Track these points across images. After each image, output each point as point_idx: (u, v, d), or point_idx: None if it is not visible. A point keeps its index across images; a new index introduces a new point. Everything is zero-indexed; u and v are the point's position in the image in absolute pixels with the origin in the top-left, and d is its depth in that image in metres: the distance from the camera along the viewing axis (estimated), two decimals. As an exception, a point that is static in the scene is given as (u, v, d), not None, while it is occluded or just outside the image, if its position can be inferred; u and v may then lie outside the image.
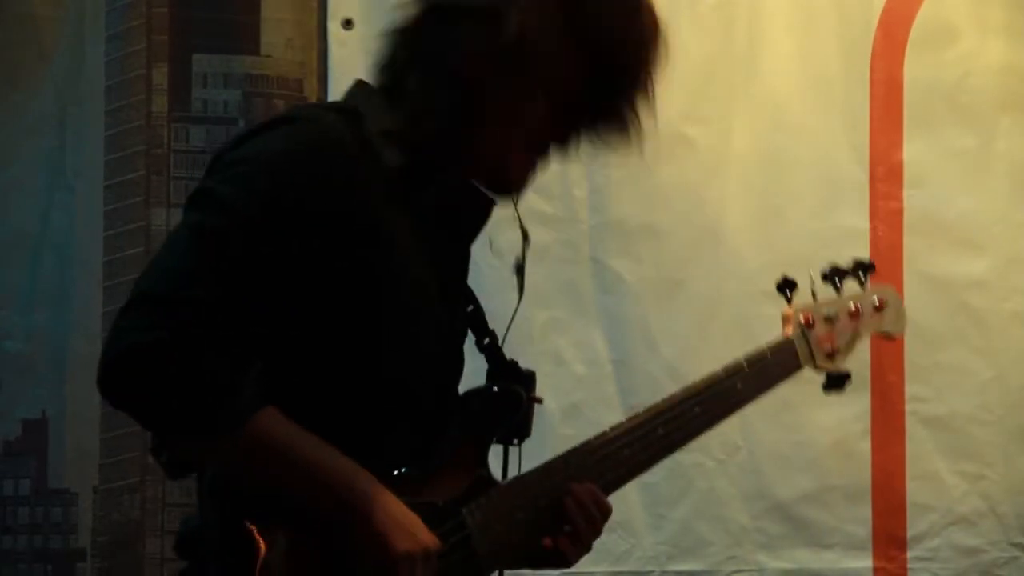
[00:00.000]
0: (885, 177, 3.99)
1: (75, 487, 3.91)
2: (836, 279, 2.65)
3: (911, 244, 3.96)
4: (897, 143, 4.00)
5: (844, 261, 2.68)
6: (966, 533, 3.95)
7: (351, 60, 3.92)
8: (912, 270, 3.95)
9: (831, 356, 2.64)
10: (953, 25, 4.02)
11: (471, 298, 2.33)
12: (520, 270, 2.40)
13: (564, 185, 3.98)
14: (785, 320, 2.60)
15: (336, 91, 3.90)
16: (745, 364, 2.50)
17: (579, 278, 3.96)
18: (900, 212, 3.98)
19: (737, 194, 3.97)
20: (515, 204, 2.30)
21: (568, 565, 2.30)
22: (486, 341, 2.30)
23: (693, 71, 3.98)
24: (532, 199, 3.96)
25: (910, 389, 3.96)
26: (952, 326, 3.97)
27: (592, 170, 3.97)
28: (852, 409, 3.93)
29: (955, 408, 3.96)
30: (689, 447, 3.88)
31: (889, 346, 3.93)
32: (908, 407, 3.96)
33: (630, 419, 2.35)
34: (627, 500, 3.91)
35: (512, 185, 2.24)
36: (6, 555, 3.92)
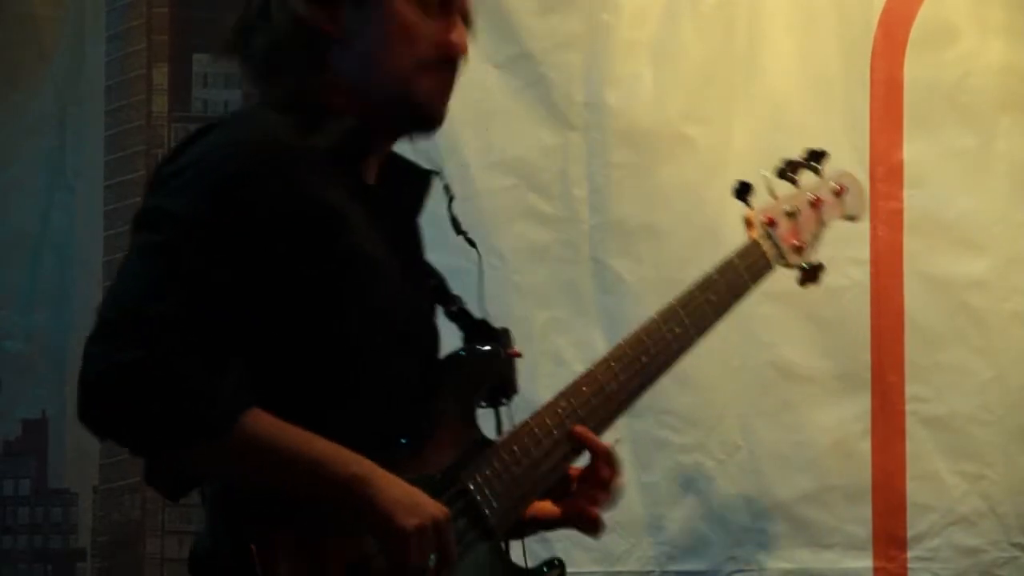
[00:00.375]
0: (885, 177, 3.99)
1: (75, 487, 3.91)
2: (791, 173, 2.64)
3: (911, 244, 3.96)
4: (897, 143, 3.99)
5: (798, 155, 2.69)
6: (966, 533, 3.95)
7: (351, 60, 3.91)
8: (912, 270, 3.95)
9: (799, 250, 2.62)
10: (953, 25, 4.02)
11: (431, 270, 2.32)
12: (455, 223, 2.38)
13: (564, 185, 3.98)
14: (748, 223, 2.59)
15: (336, 91, 3.90)
16: (716, 275, 2.49)
17: (579, 278, 3.96)
18: (900, 212, 3.97)
19: (737, 194, 3.97)
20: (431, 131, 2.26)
21: (596, 525, 2.33)
22: (454, 308, 2.31)
23: (693, 71, 3.98)
24: (532, 199, 3.99)
25: (910, 389, 3.95)
26: (952, 326, 3.96)
27: (592, 170, 3.97)
28: (852, 409, 3.93)
29: (955, 408, 3.96)
30: (689, 447, 3.95)
31: (890, 346, 3.94)
32: (908, 407, 3.95)
33: (610, 353, 2.34)
34: (627, 500, 3.91)
35: (424, 109, 2.20)
36: (6, 555, 3.92)
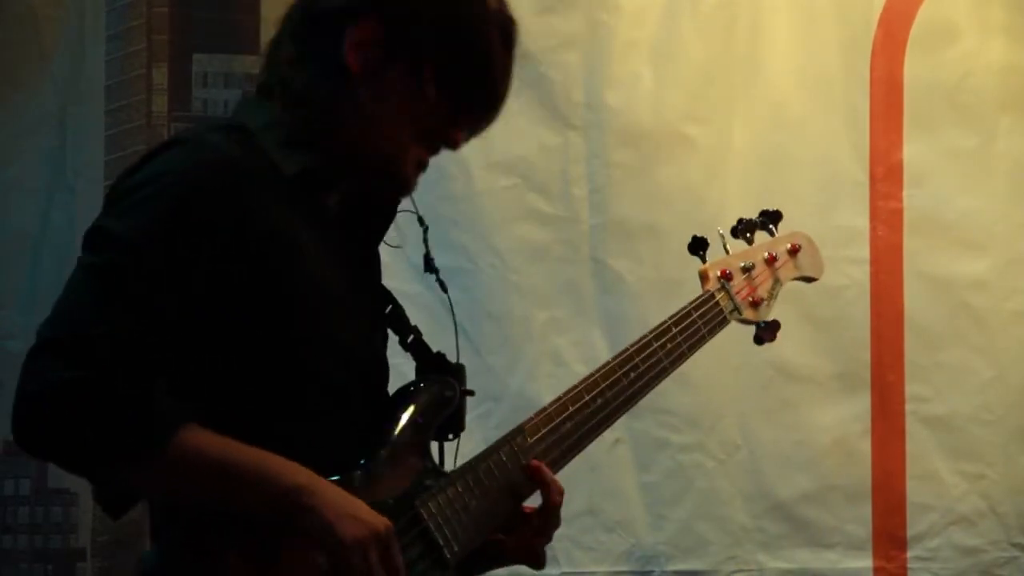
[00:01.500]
0: (885, 177, 3.99)
1: (75, 487, 3.91)
2: (746, 233, 2.64)
3: (911, 244, 3.96)
4: (897, 143, 4.00)
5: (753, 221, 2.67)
6: (966, 533, 3.95)
7: (351, 60, 3.92)
8: (912, 270, 3.95)
9: (755, 305, 2.62)
10: (953, 25, 4.02)
11: (389, 298, 2.31)
12: (428, 262, 2.36)
13: (564, 185, 3.98)
14: (703, 277, 2.59)
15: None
16: (672, 325, 2.49)
17: (579, 278, 3.96)
18: (900, 212, 3.98)
19: (737, 194, 3.97)
20: (406, 197, 2.27)
21: (539, 562, 2.30)
22: (410, 339, 2.30)
23: (693, 71, 3.98)
24: (532, 199, 3.99)
25: (910, 389, 3.96)
26: (952, 326, 3.97)
27: (592, 170, 3.97)
28: (852, 409, 3.94)
29: (955, 408, 3.96)
30: (689, 447, 3.95)
31: (890, 346, 3.94)
32: (908, 407, 3.96)
33: (565, 393, 2.34)
34: (627, 500, 3.92)
35: (403, 180, 2.21)
36: (6, 555, 3.92)
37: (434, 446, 2.24)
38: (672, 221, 3.96)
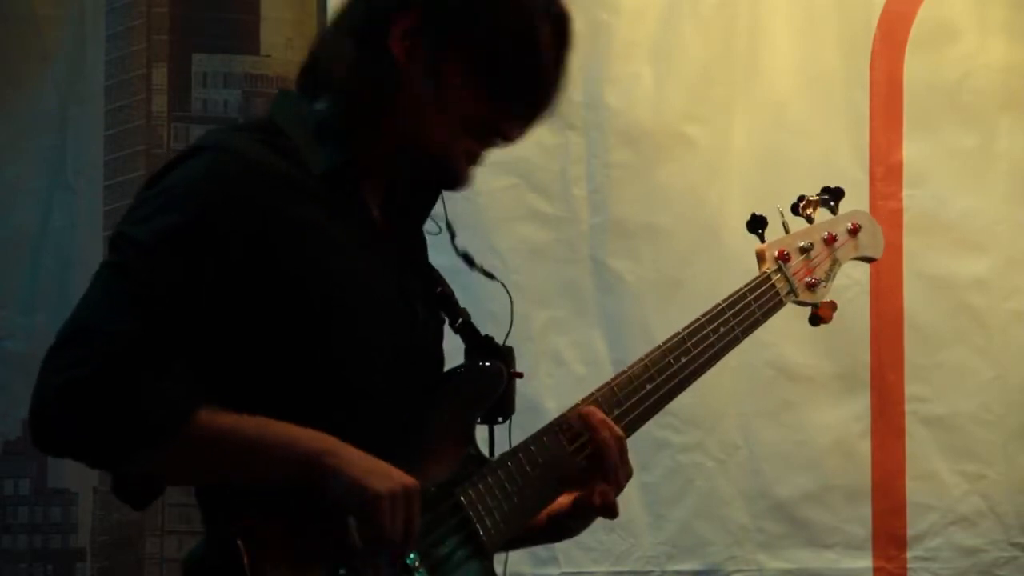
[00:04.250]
0: (885, 177, 3.99)
1: (75, 487, 3.91)
2: (807, 210, 2.60)
3: (911, 244, 3.96)
4: (897, 143, 4.00)
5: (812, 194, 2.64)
6: (966, 533, 3.95)
7: (351, 60, 3.92)
8: (912, 270, 3.95)
9: (812, 287, 2.58)
10: (953, 24, 4.02)
11: (439, 280, 2.31)
12: (468, 258, 2.35)
13: (564, 185, 3.98)
14: (760, 257, 2.55)
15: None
16: (726, 308, 2.44)
17: (579, 278, 3.96)
18: (900, 212, 3.98)
19: (737, 194, 3.97)
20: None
21: (612, 513, 2.26)
22: (459, 321, 2.29)
23: (693, 71, 3.98)
24: (532, 199, 3.99)
25: (910, 389, 3.96)
26: (952, 326, 3.97)
27: (592, 170, 3.97)
28: (852, 409, 3.94)
29: (955, 408, 3.96)
30: (689, 447, 3.95)
31: (890, 346, 3.94)
32: (908, 407, 3.96)
33: (613, 379, 2.32)
34: (627, 500, 3.89)
35: (454, 174, 2.20)
36: (6, 555, 3.92)
37: (484, 429, 2.24)
38: (672, 221, 3.96)
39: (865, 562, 3.95)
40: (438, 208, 2.29)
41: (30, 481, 3.91)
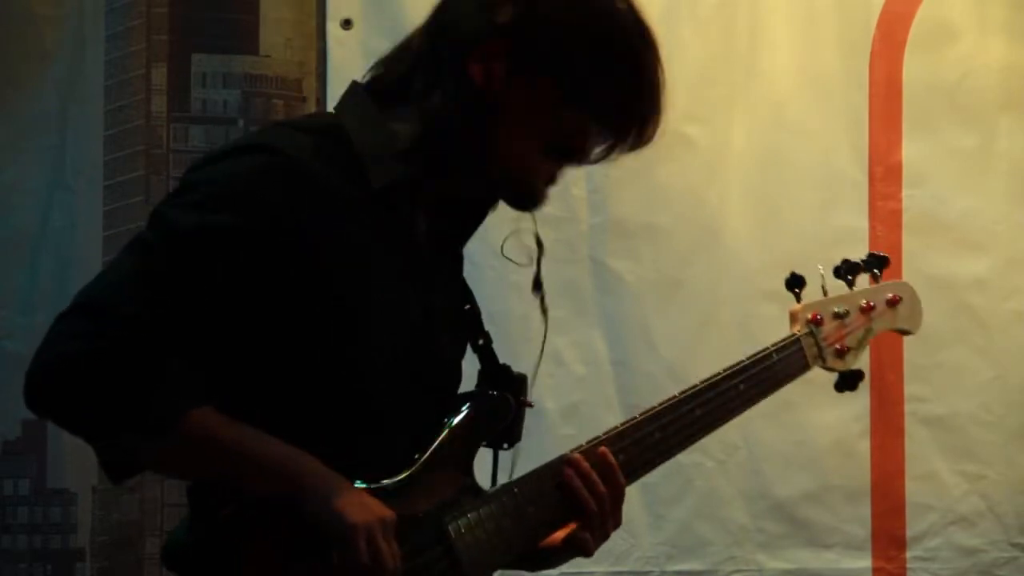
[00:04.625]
0: (884, 177, 3.99)
1: (74, 487, 3.91)
2: (848, 275, 2.55)
3: (910, 244, 3.96)
4: (896, 143, 4.00)
5: (856, 257, 2.60)
6: (966, 533, 3.95)
7: (350, 60, 3.92)
8: (912, 270, 3.95)
9: (841, 354, 2.54)
10: (952, 24, 4.02)
11: (468, 298, 2.31)
12: (537, 284, 2.37)
13: (563, 185, 3.92)
14: (793, 318, 2.51)
15: (335, 91, 3.89)
16: (749, 363, 2.42)
17: (579, 278, 3.96)
18: (899, 212, 3.98)
19: (737, 194, 3.97)
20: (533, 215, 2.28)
21: (588, 551, 2.25)
22: (480, 342, 2.29)
23: (693, 71, 3.98)
24: (532, 199, 3.99)
25: (910, 389, 3.96)
26: (952, 326, 3.97)
27: (591, 170, 3.94)
28: (852, 409, 3.93)
29: (955, 408, 3.96)
30: (688, 447, 3.94)
31: (889, 346, 3.94)
32: (908, 407, 3.96)
33: (625, 423, 2.31)
34: (627, 500, 3.89)
35: (533, 196, 2.22)
36: (6, 555, 3.92)
37: (488, 454, 2.24)
38: (671, 221, 3.96)
39: (865, 562, 3.95)
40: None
41: (30, 481, 3.91)
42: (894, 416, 3.95)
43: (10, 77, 4.03)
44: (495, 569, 2.20)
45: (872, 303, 2.56)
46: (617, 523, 2.29)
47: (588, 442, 2.28)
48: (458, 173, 2.16)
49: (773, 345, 2.46)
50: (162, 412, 2.00)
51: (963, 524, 3.95)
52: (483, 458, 2.25)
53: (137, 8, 3.98)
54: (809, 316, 2.50)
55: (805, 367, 2.50)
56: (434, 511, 2.14)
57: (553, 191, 4.05)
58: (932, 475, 3.95)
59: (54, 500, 3.92)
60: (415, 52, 2.19)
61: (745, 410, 2.43)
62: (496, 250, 3.87)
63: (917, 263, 3.95)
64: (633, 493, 3.88)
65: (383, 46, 4.06)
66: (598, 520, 2.25)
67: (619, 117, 2.17)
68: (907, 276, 3.92)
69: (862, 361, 3.91)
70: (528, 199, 2.22)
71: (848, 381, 2.58)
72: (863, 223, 3.96)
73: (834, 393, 3.94)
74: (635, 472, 2.30)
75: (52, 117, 4.02)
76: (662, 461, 2.33)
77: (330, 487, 2.03)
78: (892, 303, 2.60)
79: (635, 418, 2.31)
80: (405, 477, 2.13)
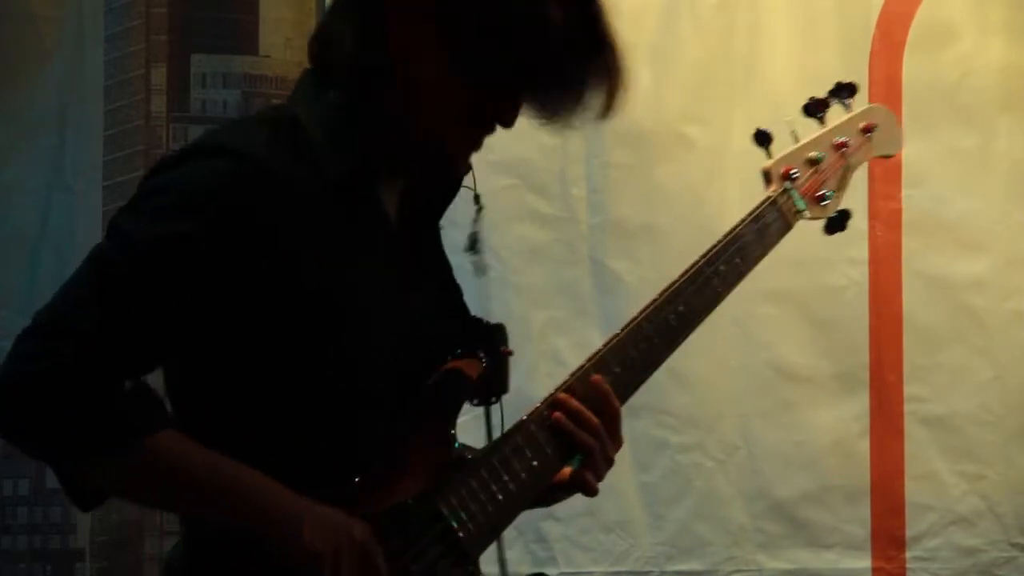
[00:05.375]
0: (884, 177, 3.99)
1: (74, 487, 3.90)
2: (817, 113, 2.44)
3: (910, 244, 3.96)
4: (896, 143, 3.99)
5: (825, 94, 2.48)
6: (965, 533, 3.95)
7: (350, 60, 3.91)
8: (911, 270, 3.95)
9: (821, 200, 2.44)
10: (952, 25, 4.02)
11: (448, 272, 2.27)
12: (474, 242, 2.31)
13: (563, 185, 3.98)
14: (766, 177, 2.42)
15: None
16: (728, 243, 2.33)
17: (578, 278, 3.96)
18: (899, 212, 3.98)
19: (737, 194, 3.97)
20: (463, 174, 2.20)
21: (590, 491, 2.19)
22: (454, 302, 2.25)
23: (693, 71, 3.98)
24: (531, 199, 3.99)
25: (909, 389, 3.96)
26: (952, 326, 3.97)
27: (591, 170, 3.97)
28: (851, 409, 3.93)
29: (955, 408, 3.96)
30: (688, 447, 3.94)
31: (888, 346, 3.94)
32: (907, 407, 3.95)
33: (605, 348, 2.23)
34: (626, 500, 3.91)
35: (450, 160, 2.14)
36: (5, 555, 3.92)
37: (479, 412, 2.19)
38: (671, 221, 3.95)
39: (864, 562, 3.95)
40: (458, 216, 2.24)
41: (29, 481, 3.91)
42: (894, 416, 3.95)
43: (10, 77, 4.02)
44: (498, 533, 2.15)
45: (844, 139, 2.46)
46: (618, 445, 2.22)
47: (572, 374, 2.22)
48: (395, 146, 2.11)
49: (749, 214, 2.38)
50: (118, 436, 1.96)
51: (963, 524, 3.95)
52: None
53: (136, 8, 3.98)
54: (782, 171, 2.41)
55: (787, 227, 2.41)
56: (424, 494, 2.10)
57: (553, 191, 4.08)
58: (932, 475, 3.95)
59: (54, 500, 3.91)
60: (335, 20, 2.14)
61: (734, 288, 2.34)
62: (495, 250, 3.91)
63: (917, 263, 3.95)
64: (633, 493, 3.92)
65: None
66: (599, 453, 2.20)
67: (505, 78, 2.07)
68: (907, 276, 3.94)
69: (860, 362, 3.94)
70: (446, 165, 2.15)
71: (837, 223, 2.48)
72: (863, 223, 3.95)
73: (834, 394, 3.97)
74: (628, 390, 2.25)
75: (52, 117, 4.02)
76: (654, 371, 2.28)
77: (295, 512, 1.98)
78: (866, 131, 2.49)
79: (617, 334, 2.24)
80: (381, 467, 2.08)
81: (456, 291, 2.27)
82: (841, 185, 2.46)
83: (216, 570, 2.03)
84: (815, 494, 3.94)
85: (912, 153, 3.99)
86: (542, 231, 3.96)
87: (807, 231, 3.95)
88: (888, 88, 3.99)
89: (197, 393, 2.07)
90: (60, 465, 2.03)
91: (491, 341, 2.21)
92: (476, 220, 2.29)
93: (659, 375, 3.91)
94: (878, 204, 3.96)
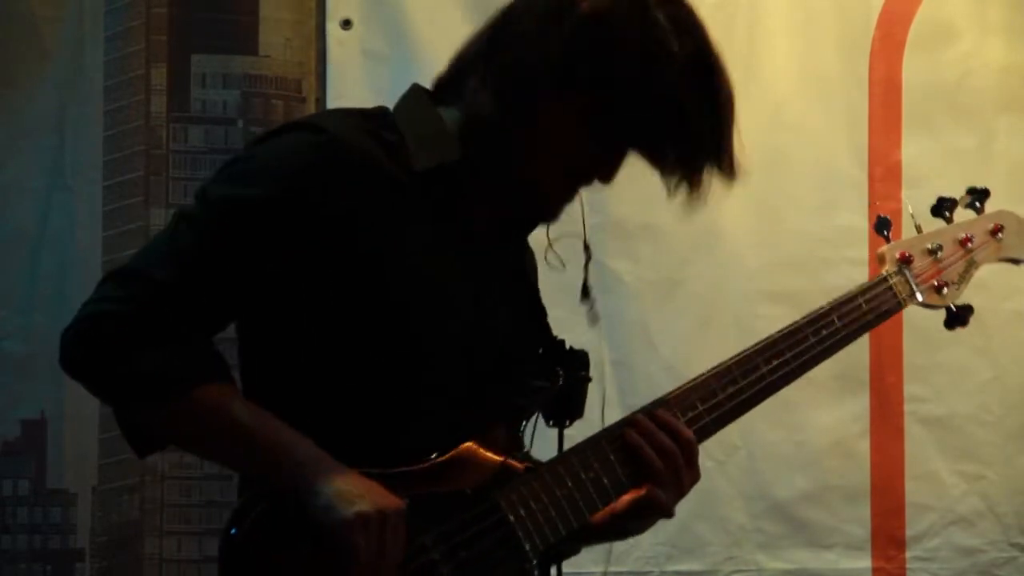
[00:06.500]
0: (884, 177, 3.99)
1: (74, 487, 3.91)
2: (945, 211, 2.46)
3: (910, 244, 3.96)
4: (896, 143, 4.00)
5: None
6: (965, 533, 3.95)
7: (350, 60, 3.92)
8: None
9: (939, 289, 2.45)
10: (952, 25, 4.02)
11: (533, 289, 2.34)
12: (586, 292, 2.39)
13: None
14: (880, 259, 2.43)
15: (335, 91, 3.90)
16: (830, 309, 2.36)
17: (578, 278, 3.95)
18: (899, 212, 3.97)
19: (737, 194, 3.95)
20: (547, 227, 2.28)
21: (662, 509, 2.23)
22: (537, 321, 2.32)
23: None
24: (531, 199, 3.99)
25: (909, 389, 3.96)
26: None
27: (591, 170, 3.97)
28: (851, 409, 3.93)
29: (954, 408, 3.96)
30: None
31: (888, 346, 3.94)
32: (907, 407, 3.96)
33: (691, 382, 2.27)
34: (626, 500, 3.92)
35: (548, 210, 2.22)
36: (5, 555, 3.92)
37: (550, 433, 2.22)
38: (671, 221, 3.94)
39: (864, 562, 3.95)
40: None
41: (29, 482, 3.91)
42: (894, 416, 3.95)
43: (10, 77, 4.02)
44: (558, 538, 2.16)
45: (970, 235, 2.47)
46: (694, 478, 2.28)
47: (651, 403, 2.24)
48: (490, 170, 2.16)
49: (858, 287, 2.39)
50: (175, 378, 2.02)
51: (962, 524, 3.95)
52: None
53: (136, 8, 3.98)
54: (897, 255, 2.42)
55: (898, 306, 2.43)
56: (484, 486, 2.12)
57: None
58: (931, 475, 3.95)
59: (54, 500, 3.91)
60: (471, 55, 2.20)
61: (826, 358, 2.34)
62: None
63: (917, 263, 3.95)
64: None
65: (382, 46, 4.09)
66: (669, 477, 2.23)
67: (657, 153, 2.19)
68: (907, 276, 3.94)
69: (859, 362, 3.94)
70: (544, 215, 2.23)
71: (958, 317, 2.48)
72: (863, 223, 3.95)
73: (834, 394, 3.97)
74: (704, 431, 2.29)
75: (51, 117, 4.02)
76: (733, 418, 2.30)
77: (328, 477, 2.01)
78: (994, 232, 2.51)
79: (702, 375, 2.28)
80: (446, 457, 2.11)
81: (539, 308, 2.35)
82: (963, 279, 2.48)
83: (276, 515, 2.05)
84: (815, 494, 3.94)
85: (912, 153, 3.99)
86: (541, 231, 3.95)
87: (807, 231, 3.96)
88: (888, 88, 3.99)
89: (266, 365, 2.12)
90: (120, 404, 2.09)
91: (572, 364, 2.27)
92: (586, 268, 2.31)
93: (659, 375, 3.94)
94: (878, 204, 3.96)
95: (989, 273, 3.95)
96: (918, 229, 2.47)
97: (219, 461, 2.18)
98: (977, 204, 2.50)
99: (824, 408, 3.93)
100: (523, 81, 2.12)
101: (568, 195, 2.21)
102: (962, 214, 2.56)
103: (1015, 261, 2.57)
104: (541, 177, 2.16)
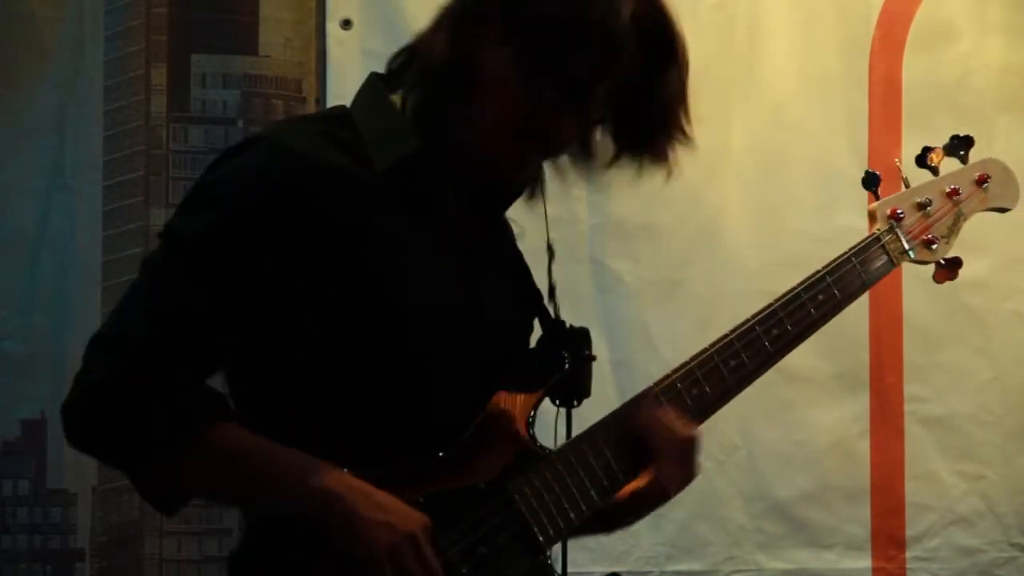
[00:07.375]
0: (884, 177, 3.98)
1: (74, 487, 3.90)
2: (933, 162, 2.44)
3: (910, 244, 3.96)
4: (896, 143, 4.00)
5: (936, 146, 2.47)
6: (965, 533, 3.95)
7: (350, 60, 3.92)
8: (911, 270, 3.94)
9: (929, 244, 2.43)
10: (952, 25, 4.02)
11: (520, 264, 2.31)
12: (551, 292, 2.34)
13: (563, 185, 3.97)
14: (871, 217, 2.41)
15: (335, 91, 3.90)
16: (826, 275, 2.34)
17: (578, 278, 3.96)
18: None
19: (736, 194, 3.97)
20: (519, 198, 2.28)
21: (666, 498, 2.23)
22: (533, 303, 2.29)
23: (693, 71, 3.96)
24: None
25: (909, 389, 3.96)
26: (952, 326, 3.97)
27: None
28: (851, 409, 3.94)
29: (954, 408, 3.96)
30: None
31: (888, 346, 3.94)
32: (907, 407, 3.96)
33: (692, 359, 2.26)
34: (626, 500, 3.91)
35: (509, 180, 2.20)
36: (5, 555, 3.92)
37: (559, 413, 2.21)
38: (670, 221, 3.95)
39: (864, 562, 3.95)
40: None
41: (29, 482, 3.91)
42: (894, 416, 3.95)
43: (10, 77, 4.02)
44: (572, 527, 2.16)
45: (956, 187, 2.46)
46: (693, 472, 2.28)
47: (657, 382, 2.24)
48: (447, 151, 2.14)
49: (851, 248, 2.37)
50: (174, 430, 2.00)
51: (962, 524, 3.95)
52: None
53: (136, 8, 3.98)
54: (888, 212, 2.41)
55: (890, 265, 2.42)
56: (497, 479, 2.11)
57: (553, 191, 4.07)
58: (931, 475, 3.95)
59: (54, 500, 3.91)
60: (430, 35, 2.19)
61: (826, 321, 2.33)
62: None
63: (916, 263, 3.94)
64: (632, 493, 3.92)
65: (382, 46, 4.07)
66: (675, 456, 2.23)
67: (555, 90, 2.10)
68: (907, 276, 3.94)
69: (859, 362, 3.94)
70: (507, 183, 2.21)
71: (947, 269, 2.47)
72: (863, 223, 3.92)
73: (834, 394, 3.97)
74: (710, 407, 2.26)
75: (51, 117, 4.02)
76: (738, 392, 2.28)
77: (352, 505, 2.00)
78: (980, 182, 2.49)
79: (703, 350, 2.26)
80: (456, 450, 2.10)
81: (527, 278, 2.32)
82: (952, 232, 2.46)
83: (277, 559, 2.05)
84: (815, 494, 3.94)
85: (912, 153, 3.98)
86: (540, 230, 3.95)
87: (807, 231, 3.96)
88: (888, 88, 3.99)
89: (258, 388, 2.10)
90: (130, 468, 2.06)
91: (575, 344, 2.24)
92: (550, 269, 2.29)
93: (659, 375, 3.91)
94: (878, 204, 3.96)
95: (989, 273, 3.98)
96: (906, 183, 2.46)
97: (243, 502, 2.12)
98: (961, 152, 2.48)
99: (824, 408, 3.93)
100: (455, 17, 2.11)
101: (522, 159, 2.16)
102: (948, 164, 2.54)
103: (1001, 210, 2.56)
104: (493, 143, 2.12)
